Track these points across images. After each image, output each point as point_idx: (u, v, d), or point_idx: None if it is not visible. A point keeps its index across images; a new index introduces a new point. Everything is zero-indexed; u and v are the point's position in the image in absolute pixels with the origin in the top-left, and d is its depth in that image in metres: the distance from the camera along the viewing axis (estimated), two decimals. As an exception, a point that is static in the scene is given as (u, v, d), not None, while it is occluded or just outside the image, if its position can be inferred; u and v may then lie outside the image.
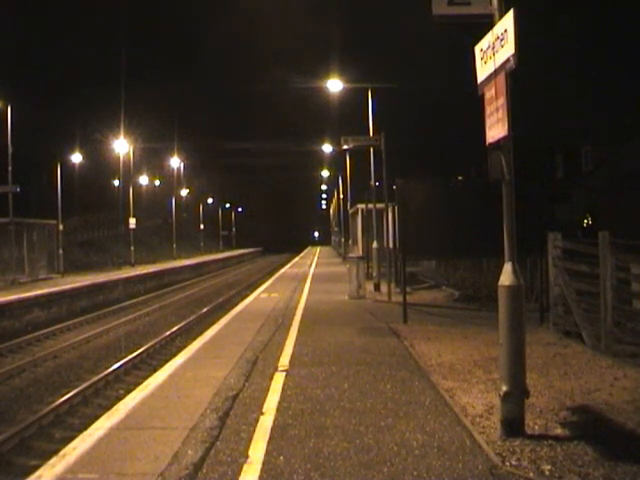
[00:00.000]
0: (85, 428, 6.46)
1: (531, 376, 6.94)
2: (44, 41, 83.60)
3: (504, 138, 5.66)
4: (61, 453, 5.39)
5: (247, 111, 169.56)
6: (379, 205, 21.49)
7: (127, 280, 31.13)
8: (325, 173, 68.29)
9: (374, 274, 20.61)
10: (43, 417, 9.42)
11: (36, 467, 5.41)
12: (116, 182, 59.79)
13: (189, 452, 5.26)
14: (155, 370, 10.81)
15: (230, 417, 6.26)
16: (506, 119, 5.56)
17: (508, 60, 5.43)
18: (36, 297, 21.13)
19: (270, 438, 5.57)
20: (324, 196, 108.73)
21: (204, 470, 4.88)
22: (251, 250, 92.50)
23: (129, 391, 8.64)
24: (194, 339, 12.21)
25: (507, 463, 4.92)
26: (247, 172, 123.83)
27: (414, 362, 8.75)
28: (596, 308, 9.31)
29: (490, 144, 5.89)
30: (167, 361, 10.49)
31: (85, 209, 54.17)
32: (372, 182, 21.80)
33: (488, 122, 5.92)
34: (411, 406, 6.49)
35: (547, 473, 4.73)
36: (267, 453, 5.19)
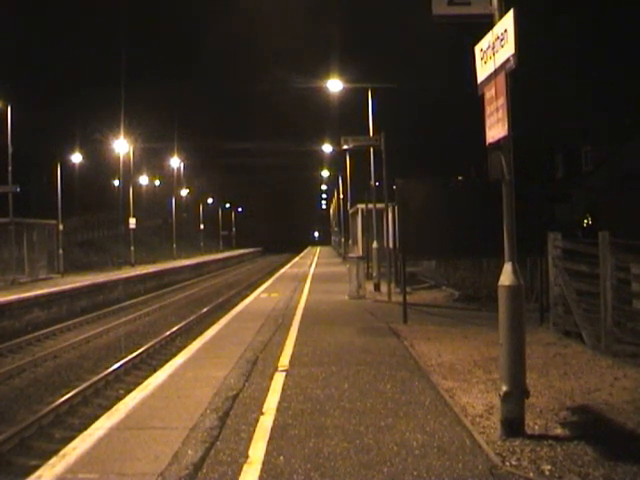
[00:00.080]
0: (85, 428, 6.46)
1: (531, 376, 6.94)
2: (44, 41, 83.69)
3: (504, 138, 5.66)
4: (61, 453, 5.39)
5: (247, 111, 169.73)
6: (379, 205, 21.49)
7: (127, 280, 31.13)
8: (325, 173, 68.37)
9: (374, 274, 20.61)
10: (43, 417, 9.41)
11: (36, 467, 5.41)
12: (116, 182, 59.81)
13: (189, 452, 5.26)
14: (155, 370, 10.81)
15: (230, 417, 6.26)
16: (506, 119, 5.56)
17: (508, 60, 5.43)
18: (36, 297, 21.13)
19: (270, 438, 5.57)
20: (324, 196, 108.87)
21: (204, 470, 4.89)
22: (251, 250, 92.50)
23: (129, 391, 8.63)
24: (194, 339, 12.21)
25: (507, 463, 4.92)
26: (247, 172, 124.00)
27: (414, 362, 8.75)
28: (596, 308, 9.31)
29: (490, 144, 5.89)
30: (167, 361, 10.48)
31: (85, 209, 54.18)
32: (372, 182, 21.80)
33: (488, 122, 5.92)
34: (411, 406, 6.50)
35: (547, 473, 4.73)
36: (267, 453, 5.19)
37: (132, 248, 43.90)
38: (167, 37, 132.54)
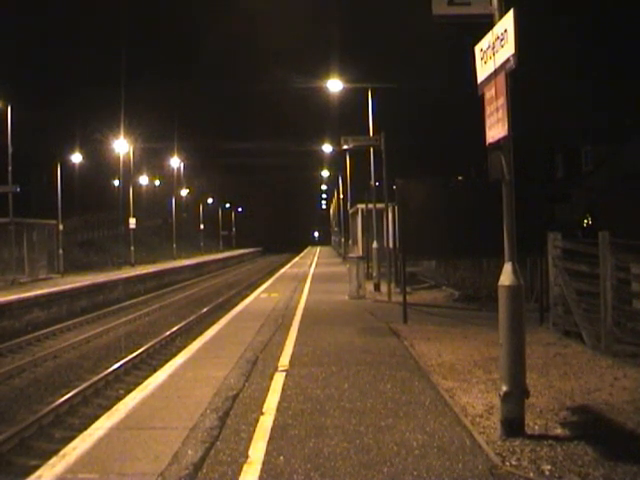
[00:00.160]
0: (85, 428, 6.45)
1: (531, 376, 6.94)
2: (44, 41, 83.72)
3: (504, 138, 5.66)
4: (61, 453, 5.39)
5: (247, 111, 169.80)
6: (379, 205, 21.49)
7: (127, 280, 31.13)
8: (325, 173, 68.39)
9: (374, 274, 20.61)
10: (43, 417, 9.41)
11: (36, 467, 5.41)
12: (116, 182, 59.83)
13: (189, 452, 5.26)
14: (155, 370, 10.81)
15: (230, 417, 6.26)
16: (506, 119, 5.56)
17: (508, 60, 5.43)
18: (36, 297, 21.13)
19: (270, 438, 5.57)
20: (324, 196, 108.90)
21: (204, 470, 4.89)
22: (251, 250, 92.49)
23: (129, 391, 8.63)
24: (194, 339, 12.21)
25: (507, 463, 4.92)
26: (247, 172, 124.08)
27: (414, 362, 8.75)
28: (596, 308, 9.31)
29: (490, 144, 5.89)
30: (167, 361, 10.48)
31: (85, 209, 54.18)
32: (372, 182, 21.81)
33: (488, 122, 5.92)
34: (411, 406, 6.49)
35: (547, 473, 4.73)
36: (267, 453, 5.19)
37: (132, 248, 43.90)
38: (167, 37, 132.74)
